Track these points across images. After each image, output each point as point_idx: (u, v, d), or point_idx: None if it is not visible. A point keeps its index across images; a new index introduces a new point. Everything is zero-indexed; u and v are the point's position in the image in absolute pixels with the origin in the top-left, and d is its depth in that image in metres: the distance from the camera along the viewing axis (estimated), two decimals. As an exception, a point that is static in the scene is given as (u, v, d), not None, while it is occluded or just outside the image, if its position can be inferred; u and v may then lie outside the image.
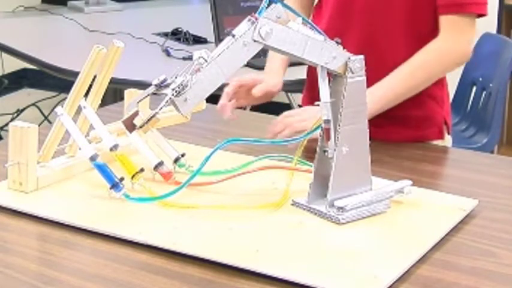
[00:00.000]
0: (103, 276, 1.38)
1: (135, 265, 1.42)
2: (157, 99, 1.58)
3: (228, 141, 1.62)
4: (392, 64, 1.93)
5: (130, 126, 1.58)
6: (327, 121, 1.57)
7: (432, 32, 1.97)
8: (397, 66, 1.93)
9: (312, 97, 1.90)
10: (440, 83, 2.07)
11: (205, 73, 1.51)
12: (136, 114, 1.57)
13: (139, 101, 1.59)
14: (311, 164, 1.66)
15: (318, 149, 1.61)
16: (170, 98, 1.50)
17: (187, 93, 1.51)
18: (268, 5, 1.53)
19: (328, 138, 1.58)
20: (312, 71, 2.15)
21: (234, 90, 1.98)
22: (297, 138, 1.66)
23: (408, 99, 1.98)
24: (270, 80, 2.02)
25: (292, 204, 1.62)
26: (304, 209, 1.60)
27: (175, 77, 1.52)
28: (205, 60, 1.51)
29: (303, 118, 1.84)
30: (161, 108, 1.54)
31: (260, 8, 1.52)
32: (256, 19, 1.51)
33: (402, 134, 2.03)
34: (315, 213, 1.58)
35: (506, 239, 1.54)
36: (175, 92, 1.50)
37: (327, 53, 1.55)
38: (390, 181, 1.68)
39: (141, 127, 1.57)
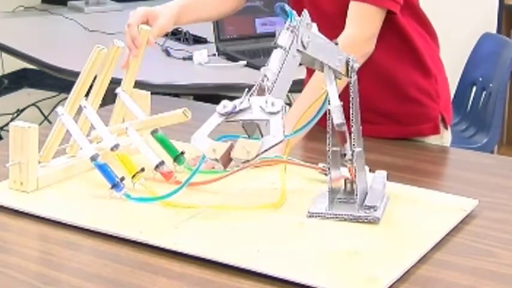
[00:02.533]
0: (103, 276, 1.38)
1: (135, 265, 1.42)
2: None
3: (220, 138, 1.57)
4: None
5: (226, 161, 1.45)
6: (341, 124, 1.54)
7: None
8: None
9: None
10: (433, 78, 2.04)
11: (274, 92, 1.45)
12: (231, 148, 1.44)
13: (208, 134, 1.46)
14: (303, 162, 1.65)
15: (329, 154, 1.56)
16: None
17: None
18: (283, 11, 1.47)
19: (345, 141, 1.56)
20: (310, 72, 2.14)
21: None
22: (290, 135, 1.64)
23: (399, 94, 1.98)
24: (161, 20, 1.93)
25: (310, 216, 1.57)
26: (328, 217, 1.56)
27: (241, 102, 1.43)
28: (268, 79, 1.45)
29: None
30: (270, 148, 1.43)
31: (287, 15, 1.47)
32: (294, 28, 1.47)
33: (396, 130, 2.03)
34: (343, 219, 1.55)
35: (506, 239, 1.54)
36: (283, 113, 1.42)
37: (336, 55, 1.55)
38: (369, 173, 1.65)
39: (247, 161, 1.44)
